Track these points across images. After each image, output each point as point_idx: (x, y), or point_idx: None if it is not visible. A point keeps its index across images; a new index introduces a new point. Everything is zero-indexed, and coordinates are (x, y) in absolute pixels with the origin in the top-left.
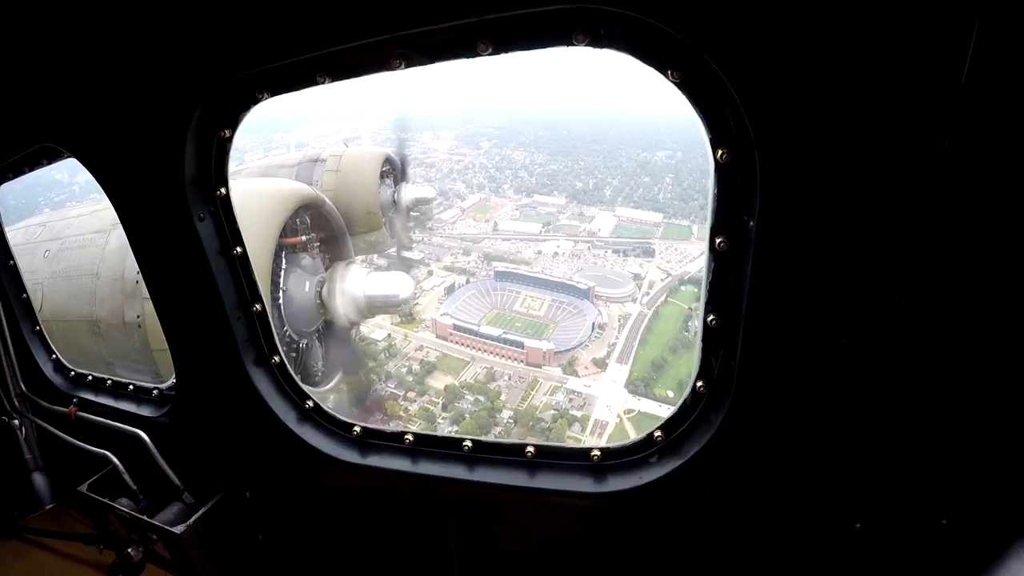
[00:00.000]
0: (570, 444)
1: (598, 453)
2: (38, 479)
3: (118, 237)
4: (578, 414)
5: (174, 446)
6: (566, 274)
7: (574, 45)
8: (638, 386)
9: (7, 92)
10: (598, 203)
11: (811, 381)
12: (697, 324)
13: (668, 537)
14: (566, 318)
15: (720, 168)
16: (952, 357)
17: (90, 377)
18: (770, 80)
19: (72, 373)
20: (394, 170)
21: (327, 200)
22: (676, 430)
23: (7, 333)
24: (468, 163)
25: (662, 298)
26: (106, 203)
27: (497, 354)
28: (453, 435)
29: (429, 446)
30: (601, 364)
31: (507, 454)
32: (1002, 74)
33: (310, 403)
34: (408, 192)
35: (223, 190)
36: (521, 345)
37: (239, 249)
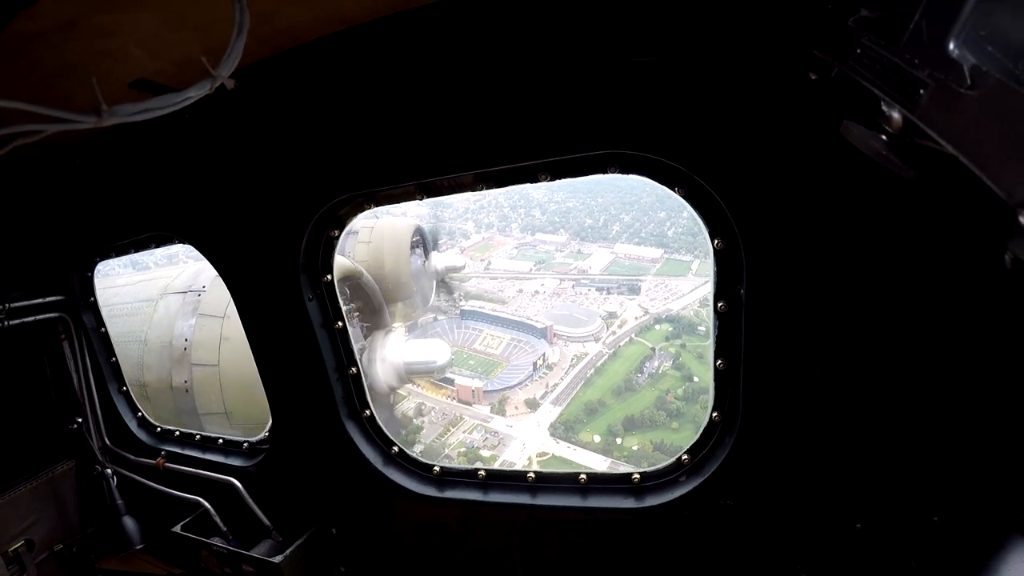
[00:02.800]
0: (617, 471)
1: (638, 476)
2: (128, 523)
3: (166, 306)
4: (487, 454)
5: (262, 492)
6: (539, 313)
7: (608, 173)
8: (562, 429)
9: (141, 186)
10: (601, 240)
11: (800, 404)
12: (708, 366)
13: (699, 545)
14: (520, 356)
15: (717, 253)
16: (917, 377)
17: (177, 432)
18: (744, 193)
19: (158, 429)
20: (424, 240)
21: (365, 272)
22: (699, 453)
23: (95, 392)
24: (486, 202)
25: (628, 337)
26: (153, 274)
27: (433, 390)
28: (519, 469)
29: (498, 479)
30: (533, 404)
31: (563, 482)
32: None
33: (395, 448)
34: (438, 261)
35: (328, 276)
36: (452, 382)
37: (340, 323)
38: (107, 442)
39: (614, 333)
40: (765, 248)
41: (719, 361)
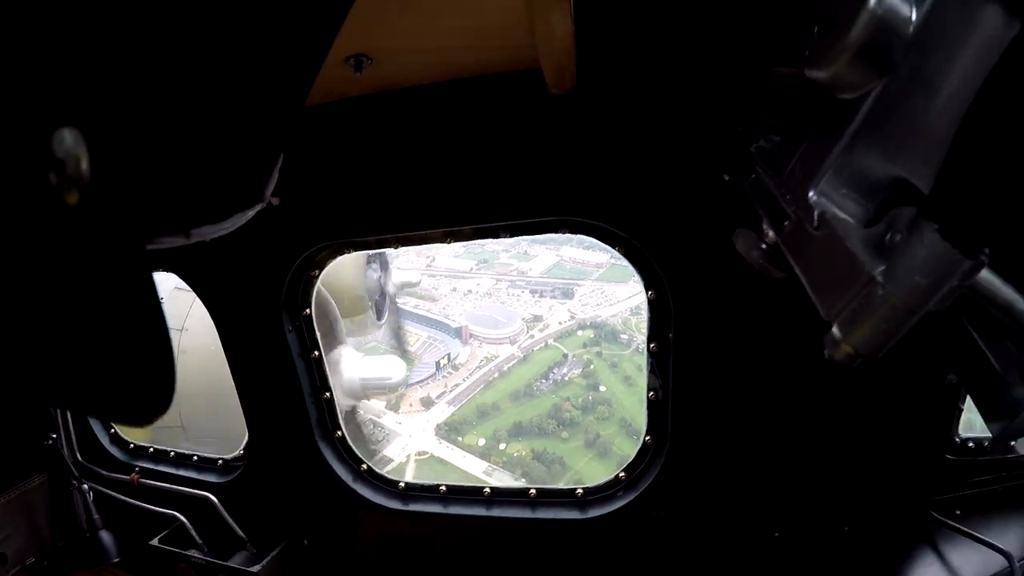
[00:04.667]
0: (562, 487)
1: (581, 491)
2: (105, 537)
3: None
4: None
5: (237, 506)
6: (463, 312)
7: (560, 233)
8: (447, 430)
9: None
10: (550, 242)
11: (721, 429)
12: (648, 379)
13: (636, 552)
14: (432, 354)
15: (650, 302)
16: (818, 404)
17: (151, 449)
18: (672, 255)
19: (131, 445)
20: (380, 256)
21: (321, 288)
22: (634, 471)
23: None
24: None
25: (545, 342)
26: None
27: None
28: (476, 485)
29: (457, 494)
30: (428, 403)
31: (514, 496)
32: None
33: (364, 466)
34: (394, 277)
35: (307, 310)
36: None
37: (316, 353)
38: (79, 458)
39: (532, 337)
40: (689, 300)
41: (651, 392)
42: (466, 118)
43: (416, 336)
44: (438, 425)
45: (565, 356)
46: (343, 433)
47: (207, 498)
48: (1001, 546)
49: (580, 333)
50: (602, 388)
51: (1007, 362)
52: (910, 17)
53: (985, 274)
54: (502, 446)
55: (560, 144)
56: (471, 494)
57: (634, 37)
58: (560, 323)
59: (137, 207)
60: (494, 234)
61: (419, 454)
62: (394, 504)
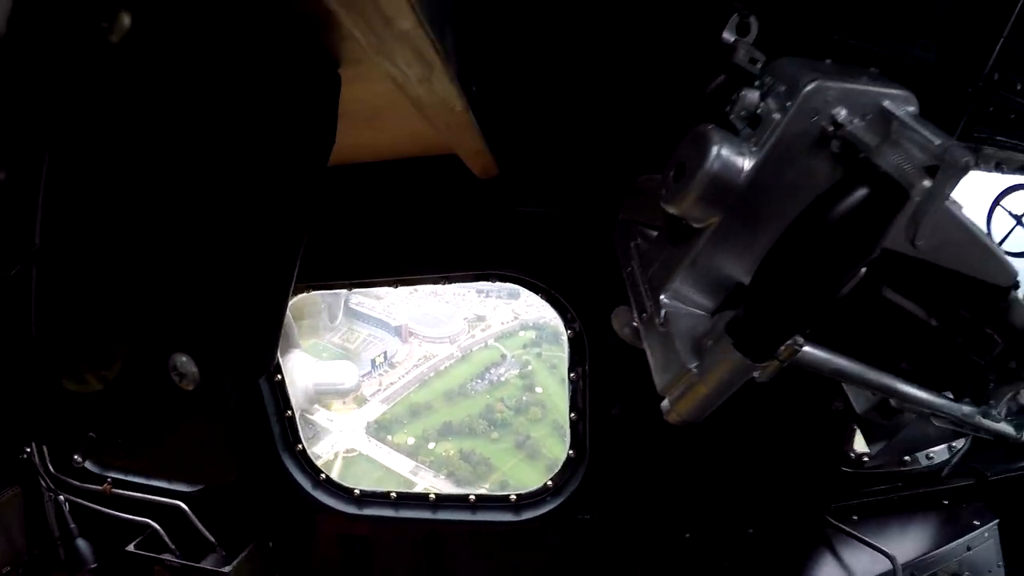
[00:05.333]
0: (498, 493)
1: (514, 496)
2: (82, 544)
3: None
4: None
5: (207, 513)
6: (404, 310)
7: (492, 282)
8: (376, 428)
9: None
10: None
11: (633, 442)
12: (561, 380)
13: (564, 551)
14: (372, 352)
15: (569, 339)
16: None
17: None
18: (585, 301)
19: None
20: None
21: None
22: (560, 479)
23: None
24: None
25: (485, 342)
26: None
27: None
28: (423, 492)
29: (406, 499)
30: (361, 401)
31: (457, 501)
32: None
33: (323, 475)
34: None
35: None
36: None
37: (279, 376)
38: (52, 470)
39: (473, 336)
40: (601, 338)
41: (573, 414)
42: (413, 189)
43: (357, 334)
44: (369, 423)
45: (503, 356)
46: (303, 446)
47: (178, 506)
48: (887, 549)
49: (522, 334)
50: (538, 389)
51: (865, 404)
52: (742, 169)
53: (810, 350)
54: (431, 445)
55: (489, 213)
56: (419, 499)
57: (541, 137)
58: (503, 323)
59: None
60: (435, 283)
61: (348, 452)
62: (350, 509)
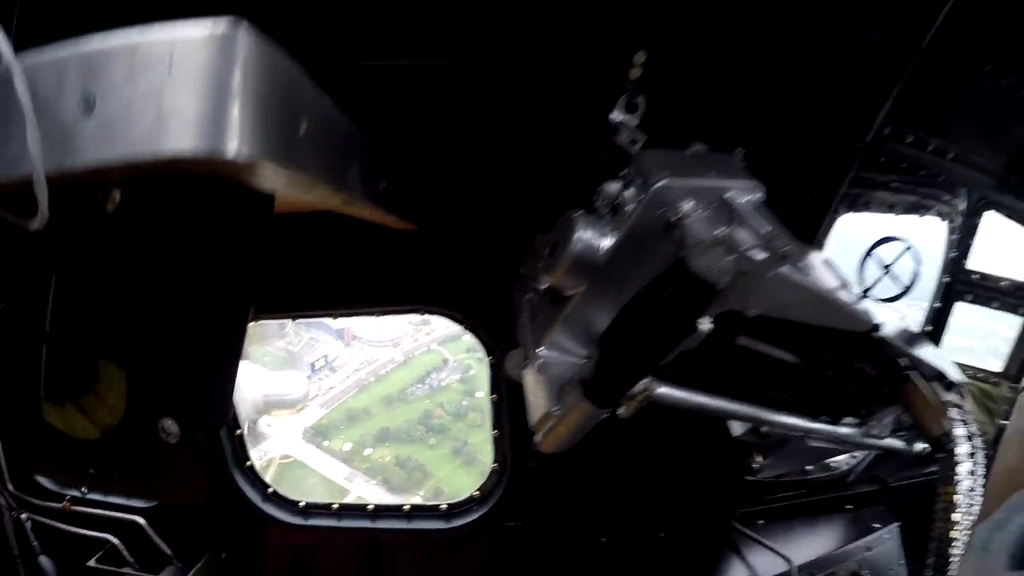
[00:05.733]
0: (430, 503)
1: (445, 506)
2: (44, 561)
3: None
4: None
5: (163, 527)
6: None
7: (422, 315)
8: (313, 434)
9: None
10: None
11: (549, 458)
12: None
13: (492, 555)
14: (313, 356)
15: (490, 365)
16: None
17: None
18: (501, 333)
19: None
20: None
21: None
22: (486, 490)
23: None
24: None
25: (427, 347)
26: None
27: None
28: (362, 503)
29: (348, 510)
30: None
31: (393, 511)
32: None
33: (270, 489)
34: None
35: None
36: None
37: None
38: (12, 488)
39: (416, 340)
40: None
41: (495, 431)
42: (348, 233)
43: (299, 337)
44: (306, 428)
45: (445, 361)
46: (251, 462)
47: (136, 521)
48: (788, 551)
49: (466, 338)
50: (479, 394)
51: (740, 429)
52: (601, 249)
53: (666, 390)
54: (367, 451)
55: (416, 258)
56: (359, 510)
57: (458, 197)
58: (448, 327)
59: None
60: (370, 315)
61: (283, 458)
62: (297, 520)
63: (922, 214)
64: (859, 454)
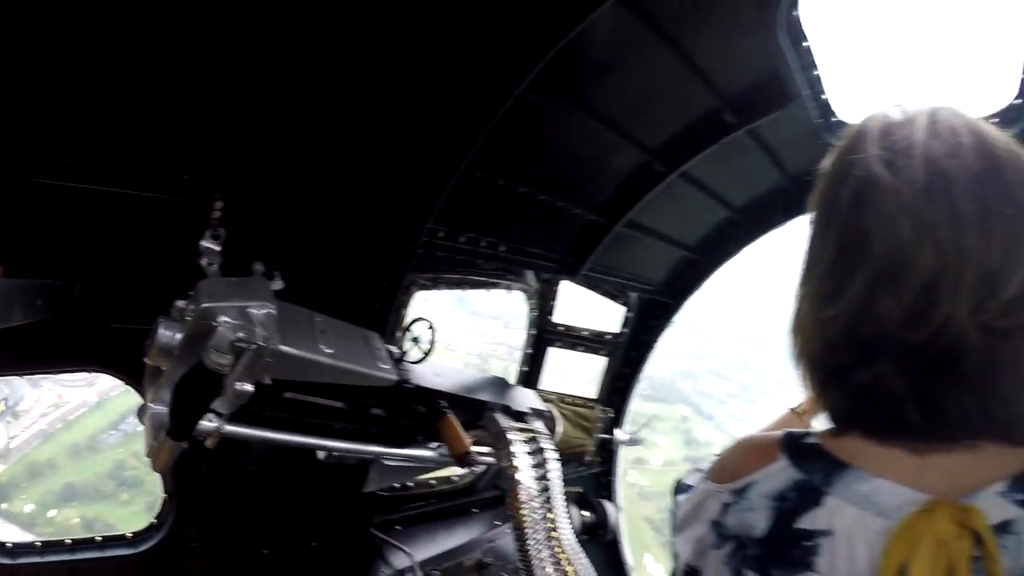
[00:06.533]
0: (118, 533)
1: (131, 534)
2: None
3: None
4: None
5: None
6: None
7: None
8: None
9: None
10: None
11: (212, 481)
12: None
13: (185, 573)
14: None
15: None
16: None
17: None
18: None
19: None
20: None
21: None
22: (162, 517)
23: None
24: None
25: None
26: None
27: None
28: (60, 538)
29: (49, 545)
30: None
31: (89, 542)
32: None
33: None
34: None
35: None
36: None
37: None
38: None
39: (113, 380)
40: None
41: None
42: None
43: None
44: None
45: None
46: None
47: None
48: (416, 549)
49: None
50: None
51: (323, 454)
52: (174, 341)
53: (232, 428)
54: (51, 513)
55: (79, 320)
56: (59, 544)
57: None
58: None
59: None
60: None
61: None
62: (5, 560)
63: (507, 289)
64: (479, 468)
